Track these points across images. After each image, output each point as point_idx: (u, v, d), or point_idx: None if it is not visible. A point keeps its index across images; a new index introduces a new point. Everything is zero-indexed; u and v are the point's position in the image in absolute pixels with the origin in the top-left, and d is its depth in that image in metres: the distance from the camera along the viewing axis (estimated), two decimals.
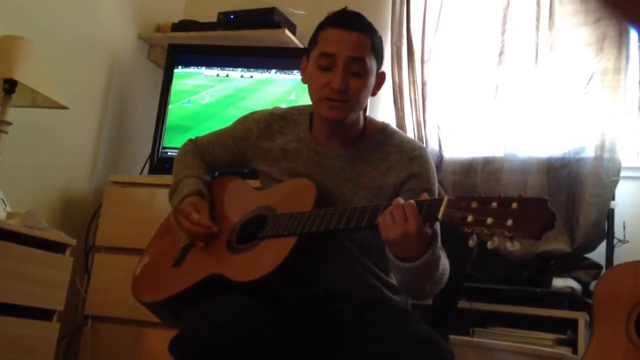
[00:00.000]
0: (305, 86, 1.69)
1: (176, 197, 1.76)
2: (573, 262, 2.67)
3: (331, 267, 1.59)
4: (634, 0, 0.65)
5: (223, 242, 1.66)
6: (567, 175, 2.78)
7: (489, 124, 2.96)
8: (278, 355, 1.49)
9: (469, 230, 1.28)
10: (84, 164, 3.11)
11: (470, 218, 1.28)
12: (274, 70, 3.08)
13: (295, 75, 2.95)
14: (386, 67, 3.05)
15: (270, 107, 1.85)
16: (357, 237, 1.61)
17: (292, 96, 3.00)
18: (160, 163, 3.03)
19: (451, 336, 1.90)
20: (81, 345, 2.79)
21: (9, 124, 2.44)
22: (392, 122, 3.03)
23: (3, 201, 2.43)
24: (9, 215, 2.40)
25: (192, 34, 3.28)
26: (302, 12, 3.18)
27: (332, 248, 1.59)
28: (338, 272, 1.60)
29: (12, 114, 2.47)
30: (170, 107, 3.11)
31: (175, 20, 3.40)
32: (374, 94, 1.69)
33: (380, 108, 3.18)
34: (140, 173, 3.18)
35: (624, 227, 2.68)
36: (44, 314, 2.34)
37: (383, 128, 1.73)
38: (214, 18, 3.29)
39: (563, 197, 2.76)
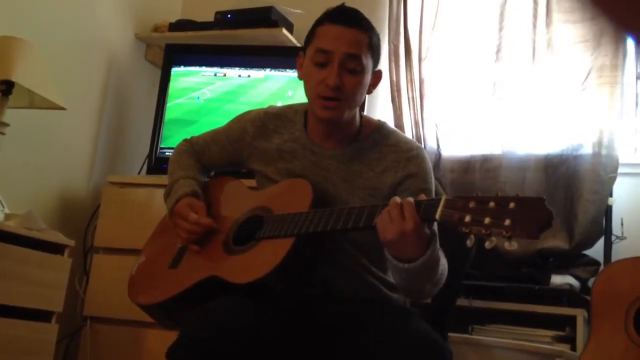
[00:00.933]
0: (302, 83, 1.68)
1: (171, 199, 1.75)
2: (571, 259, 2.67)
3: (329, 267, 1.59)
4: (630, 9, 0.65)
5: (219, 243, 1.65)
6: (565, 172, 2.79)
7: (487, 121, 2.96)
8: (278, 356, 1.48)
9: (467, 231, 1.28)
10: (82, 164, 3.11)
11: (468, 218, 1.27)
12: (271, 69, 3.07)
13: (292, 73, 2.94)
14: (383, 65, 3.06)
15: (267, 104, 1.84)
16: (354, 236, 1.60)
17: (290, 93, 3.00)
18: (158, 163, 3.02)
19: (450, 334, 1.90)
20: (80, 347, 2.78)
21: (7, 125, 2.44)
22: (390, 121, 3.04)
23: (1, 203, 2.43)
24: (7, 217, 2.40)
25: (189, 33, 3.27)
26: (300, 11, 3.17)
27: (329, 248, 1.58)
28: (336, 272, 1.60)
29: (10, 115, 2.46)
30: (176, 102, 3.10)
31: (173, 20, 3.39)
32: (369, 92, 1.68)
33: (378, 106, 3.18)
34: (139, 173, 3.18)
35: (622, 224, 2.68)
36: (42, 316, 2.33)
37: (379, 127, 1.72)
38: (211, 17, 3.29)
39: (561, 194, 2.77)
